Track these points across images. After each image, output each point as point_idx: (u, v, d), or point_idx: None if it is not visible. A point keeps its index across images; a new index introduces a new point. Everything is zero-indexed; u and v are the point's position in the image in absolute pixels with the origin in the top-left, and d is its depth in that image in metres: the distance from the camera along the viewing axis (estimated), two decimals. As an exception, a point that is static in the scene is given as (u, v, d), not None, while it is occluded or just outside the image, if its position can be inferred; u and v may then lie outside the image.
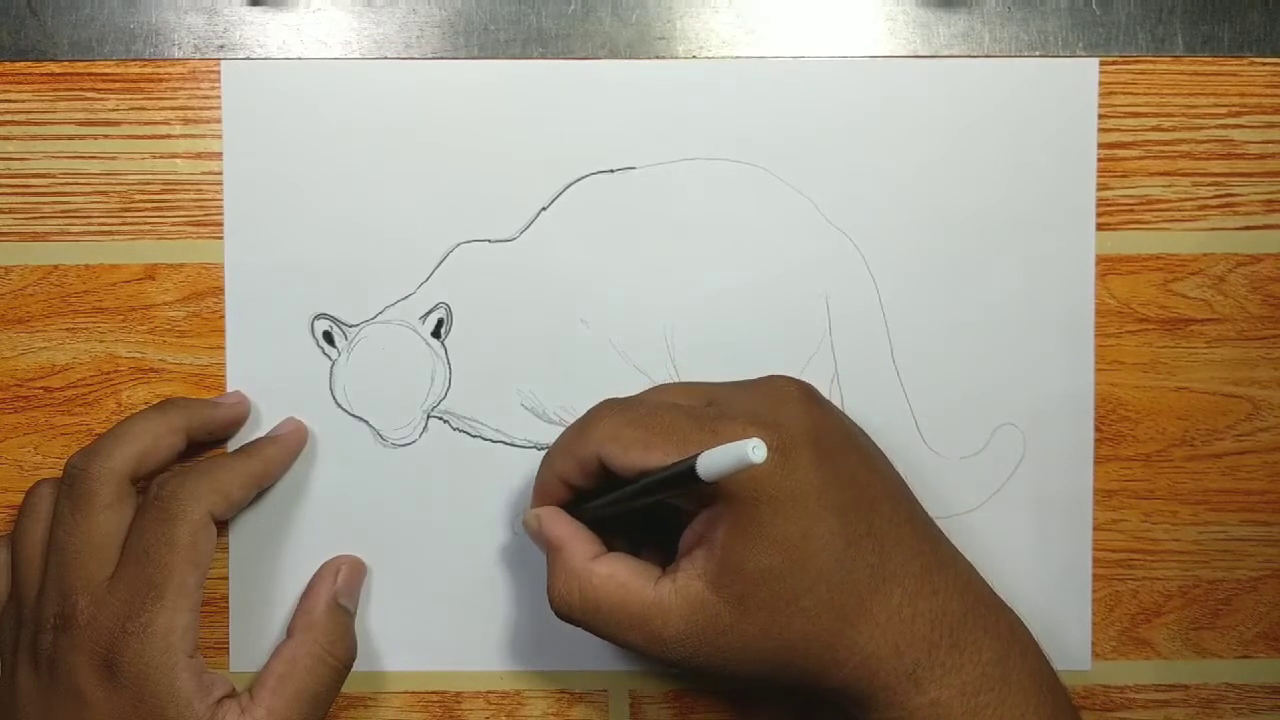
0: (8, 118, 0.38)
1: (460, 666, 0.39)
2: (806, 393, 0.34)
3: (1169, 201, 0.39)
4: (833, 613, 0.32)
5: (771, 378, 0.35)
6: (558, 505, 0.35)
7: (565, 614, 0.34)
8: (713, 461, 0.28)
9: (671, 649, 0.32)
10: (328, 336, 0.39)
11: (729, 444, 0.28)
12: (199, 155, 0.38)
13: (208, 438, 0.38)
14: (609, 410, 0.34)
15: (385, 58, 0.39)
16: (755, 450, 0.27)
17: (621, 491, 0.33)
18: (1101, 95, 0.39)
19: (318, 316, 0.39)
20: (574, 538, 0.34)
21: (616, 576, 0.33)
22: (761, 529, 0.31)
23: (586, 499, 0.35)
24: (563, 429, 0.35)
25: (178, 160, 0.38)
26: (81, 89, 0.38)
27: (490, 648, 0.39)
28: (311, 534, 0.39)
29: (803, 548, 0.32)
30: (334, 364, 0.39)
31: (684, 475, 0.29)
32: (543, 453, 0.39)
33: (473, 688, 0.39)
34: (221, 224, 0.38)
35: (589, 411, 0.35)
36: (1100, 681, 0.39)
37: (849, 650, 0.32)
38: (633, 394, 0.36)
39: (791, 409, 0.33)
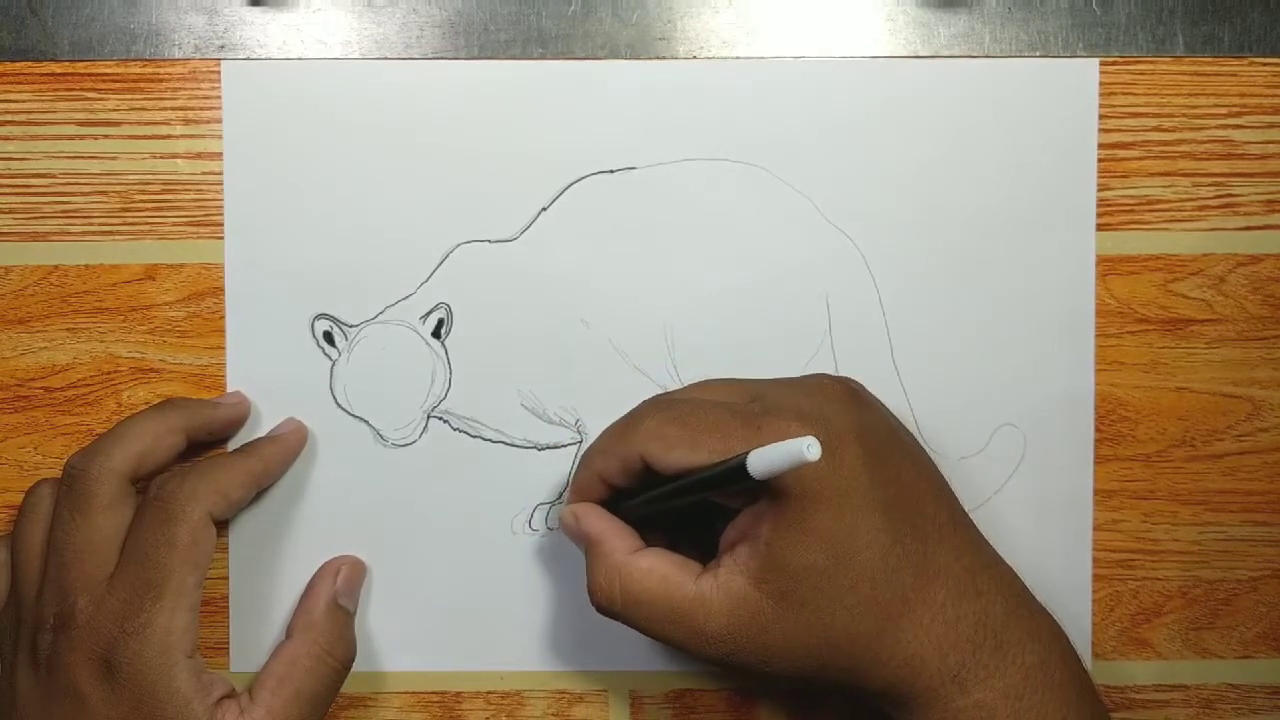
0: (8, 118, 0.38)
1: (460, 666, 0.39)
2: (851, 389, 0.34)
3: (1169, 202, 0.39)
4: (877, 610, 0.32)
5: (815, 375, 0.35)
6: (595, 503, 0.35)
7: (606, 608, 0.34)
8: (764, 459, 0.28)
9: (713, 645, 0.32)
10: (328, 336, 0.39)
11: (783, 442, 0.28)
12: (199, 155, 0.38)
13: (208, 438, 0.38)
14: (651, 409, 0.34)
15: (385, 58, 0.39)
16: (810, 448, 0.27)
17: (665, 489, 0.33)
18: (1102, 95, 0.39)
19: (318, 316, 0.39)
20: (613, 532, 0.34)
21: (657, 570, 0.33)
22: (807, 525, 0.31)
23: (624, 498, 0.35)
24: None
25: (178, 160, 0.38)
26: (82, 89, 0.38)
27: (490, 648, 0.39)
28: (311, 534, 0.39)
29: (848, 544, 0.32)
30: (334, 364, 0.39)
31: (733, 473, 0.29)
32: (543, 453, 0.39)
33: (473, 688, 0.39)
34: (221, 224, 0.38)
35: (631, 411, 0.35)
36: (1100, 681, 0.39)
37: (892, 649, 0.32)
38: (672, 391, 0.36)
39: (836, 405, 0.33)
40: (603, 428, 0.38)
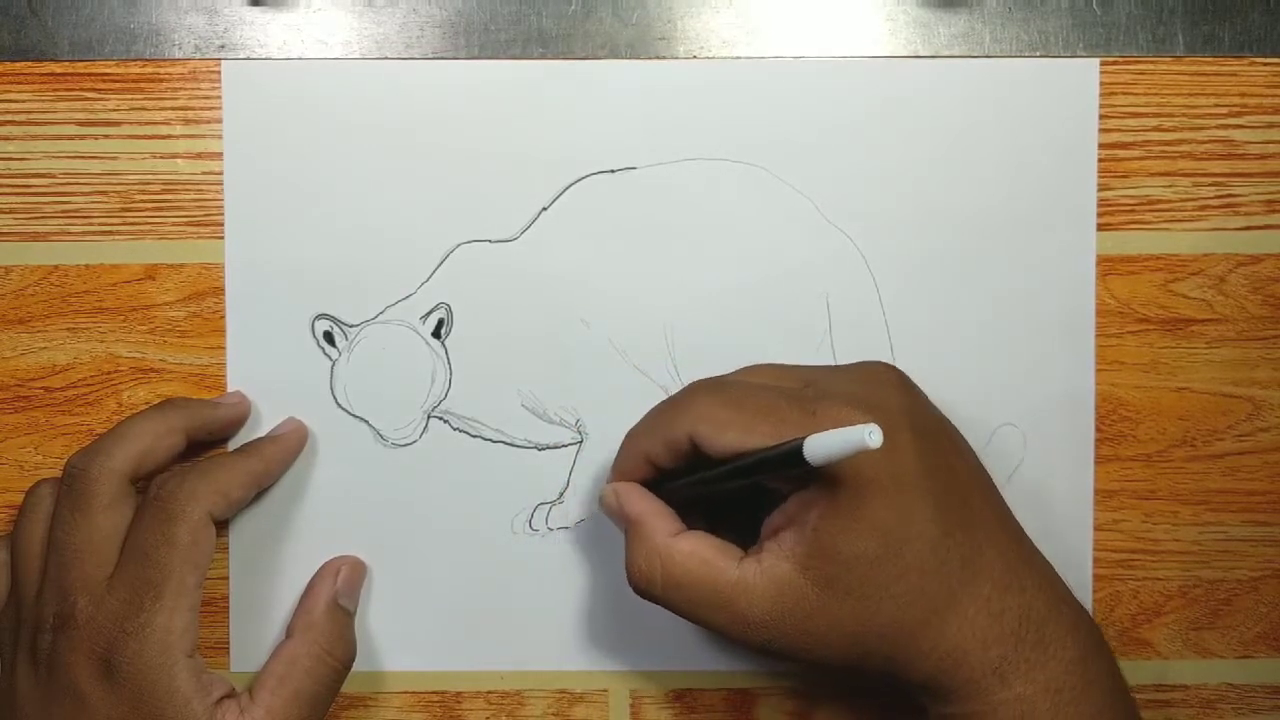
0: (8, 118, 0.38)
1: (460, 666, 0.39)
2: (902, 378, 0.34)
3: (1169, 202, 0.39)
4: (923, 602, 0.32)
5: (867, 362, 0.35)
6: (637, 483, 0.35)
7: (645, 591, 0.33)
8: (822, 445, 0.28)
9: (754, 631, 0.32)
10: (328, 336, 0.39)
11: (843, 429, 0.28)
12: (199, 155, 0.38)
13: (208, 438, 0.38)
14: (701, 391, 0.34)
15: (385, 58, 0.39)
16: (872, 435, 0.27)
17: (714, 472, 0.33)
18: (1102, 95, 0.39)
19: (318, 316, 0.39)
20: (654, 514, 0.34)
21: (699, 554, 0.33)
22: (859, 513, 0.31)
23: (666, 479, 0.35)
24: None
25: (178, 160, 0.38)
26: (82, 89, 0.38)
27: (490, 648, 0.39)
28: (311, 534, 0.39)
29: (899, 534, 0.31)
30: (334, 364, 0.39)
31: (788, 458, 0.29)
32: (543, 453, 0.39)
33: (473, 688, 0.39)
34: (222, 224, 0.39)
35: (679, 392, 0.35)
36: (1100, 682, 0.39)
37: (935, 641, 0.32)
38: (720, 374, 0.36)
39: (890, 393, 0.33)
40: (603, 428, 0.38)
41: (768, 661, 0.39)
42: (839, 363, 0.38)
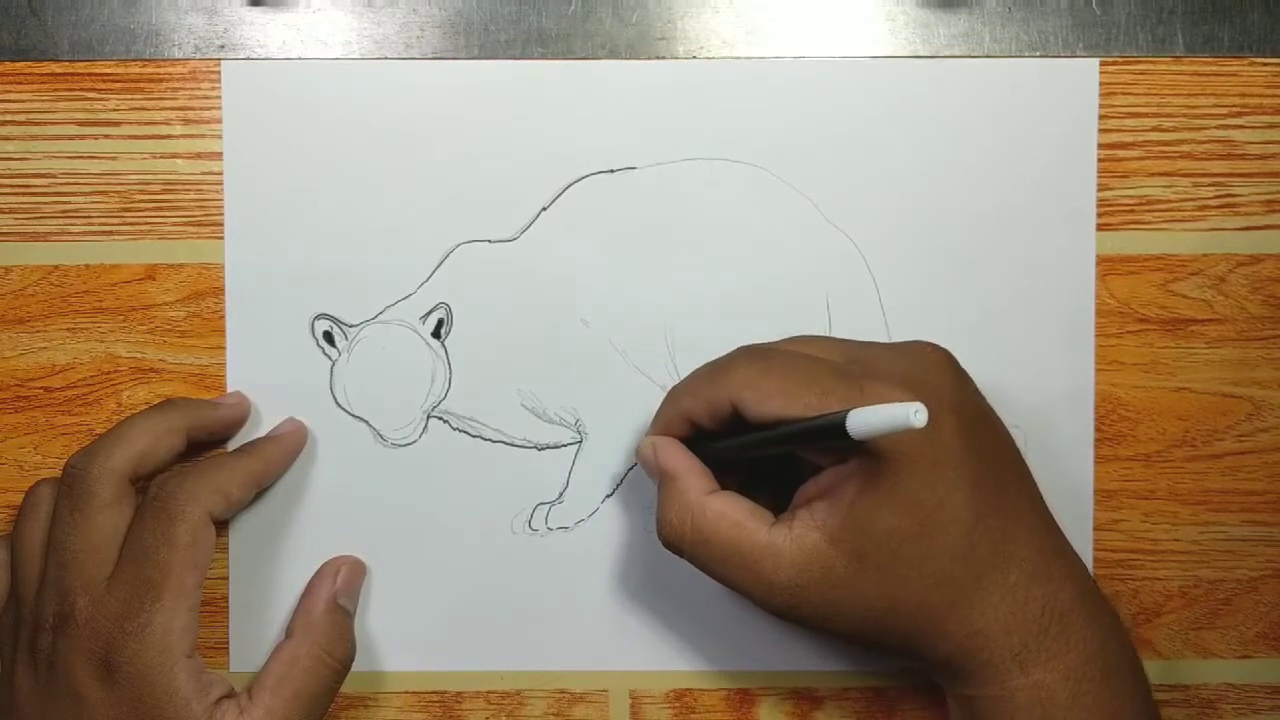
0: (8, 118, 0.38)
1: (460, 666, 0.39)
2: (950, 360, 0.34)
3: (1169, 202, 0.39)
4: (951, 584, 0.32)
5: (916, 342, 0.35)
6: (676, 439, 0.35)
7: (674, 544, 0.34)
8: (866, 420, 0.28)
9: (777, 595, 0.32)
10: (328, 336, 0.39)
11: (888, 405, 0.28)
12: (199, 155, 0.38)
13: (208, 438, 0.38)
14: (746, 358, 0.34)
15: (385, 58, 0.39)
16: (917, 415, 0.27)
17: (755, 438, 0.33)
18: (1102, 95, 0.39)
19: (318, 316, 0.39)
20: (690, 470, 0.34)
21: (730, 515, 0.33)
22: (896, 490, 0.31)
23: (704, 438, 0.35)
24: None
25: (178, 160, 0.38)
26: (82, 89, 0.38)
27: (490, 648, 0.39)
28: (311, 534, 0.39)
29: (936, 515, 0.32)
30: (334, 364, 0.39)
31: (831, 429, 0.29)
32: (543, 453, 0.39)
33: (473, 688, 0.39)
34: (221, 224, 0.38)
35: (725, 356, 0.35)
36: (1100, 682, 0.39)
37: (959, 623, 0.32)
38: (767, 343, 0.36)
39: (937, 375, 0.33)
40: (602, 428, 0.38)
41: (785, 624, 0.39)
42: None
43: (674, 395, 0.35)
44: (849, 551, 0.32)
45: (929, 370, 0.33)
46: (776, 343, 0.36)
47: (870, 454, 0.31)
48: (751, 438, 0.33)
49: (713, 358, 0.38)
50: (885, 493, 0.31)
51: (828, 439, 0.30)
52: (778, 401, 0.32)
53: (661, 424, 0.36)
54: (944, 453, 0.32)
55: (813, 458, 0.33)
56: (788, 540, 0.32)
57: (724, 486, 0.34)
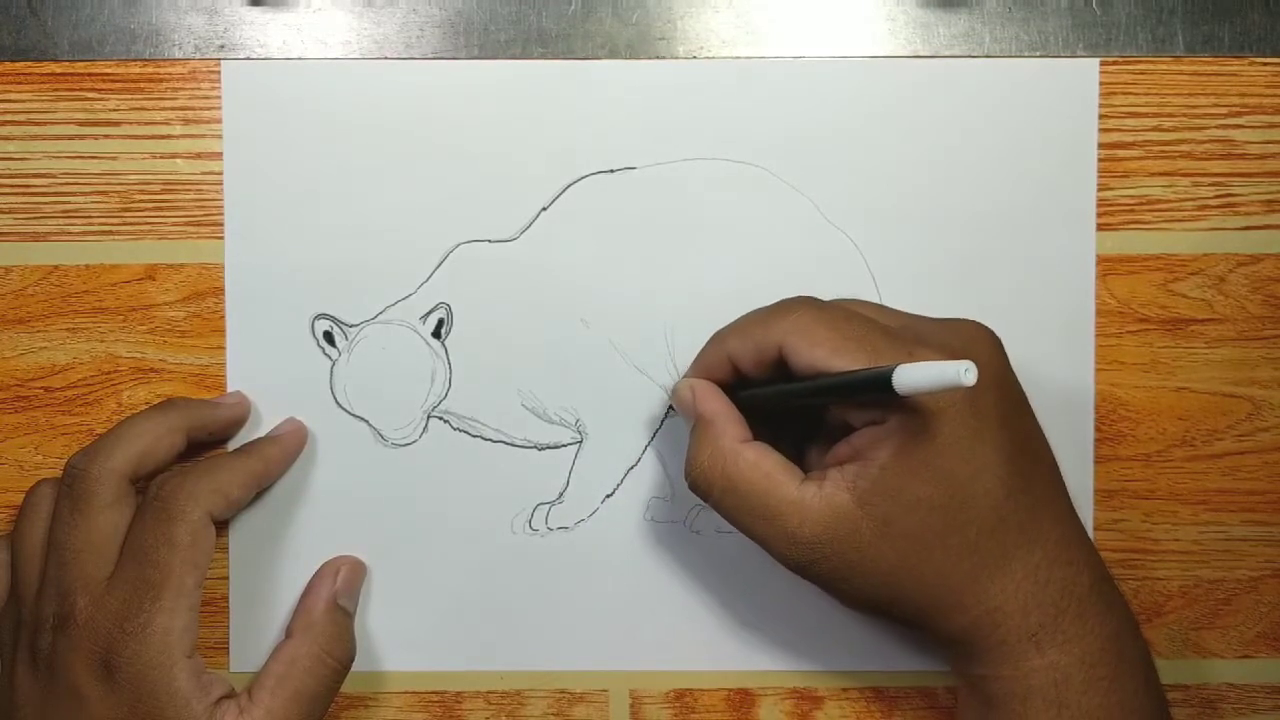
0: (8, 118, 0.38)
1: (460, 666, 0.39)
2: (995, 339, 0.34)
3: (1169, 202, 0.39)
4: (975, 558, 0.32)
5: (964, 320, 0.35)
6: (714, 383, 0.35)
7: (702, 489, 0.34)
8: (912, 376, 0.28)
9: (798, 549, 0.32)
10: (328, 336, 0.39)
11: (938, 362, 0.27)
12: (199, 155, 0.38)
13: (208, 438, 0.38)
14: (801, 304, 0.34)
15: (385, 58, 0.39)
16: (967, 373, 0.27)
17: (795, 385, 0.33)
18: (1102, 95, 0.39)
19: (318, 316, 0.39)
20: (726, 416, 0.34)
21: (762, 465, 0.33)
22: (932, 459, 0.31)
23: (741, 386, 0.35)
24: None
25: (178, 160, 0.38)
26: (82, 89, 0.38)
27: (490, 648, 0.39)
28: (311, 534, 0.39)
29: (968, 488, 0.32)
30: (334, 364, 0.39)
31: (876, 381, 0.29)
32: (543, 453, 0.39)
33: (473, 688, 0.39)
34: (221, 224, 0.39)
35: (778, 301, 0.35)
36: (1100, 682, 0.39)
37: (977, 598, 0.32)
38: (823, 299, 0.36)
39: (984, 350, 0.33)
40: (602, 428, 0.38)
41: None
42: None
43: (719, 337, 0.35)
44: (876, 516, 0.32)
45: (977, 345, 0.33)
46: (832, 300, 0.36)
47: (909, 420, 0.31)
48: (792, 386, 0.33)
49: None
50: (920, 461, 0.31)
51: (871, 391, 0.30)
52: (824, 350, 0.32)
53: (702, 366, 0.36)
54: (984, 427, 0.32)
55: (848, 417, 0.33)
56: (817, 498, 0.32)
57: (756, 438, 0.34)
